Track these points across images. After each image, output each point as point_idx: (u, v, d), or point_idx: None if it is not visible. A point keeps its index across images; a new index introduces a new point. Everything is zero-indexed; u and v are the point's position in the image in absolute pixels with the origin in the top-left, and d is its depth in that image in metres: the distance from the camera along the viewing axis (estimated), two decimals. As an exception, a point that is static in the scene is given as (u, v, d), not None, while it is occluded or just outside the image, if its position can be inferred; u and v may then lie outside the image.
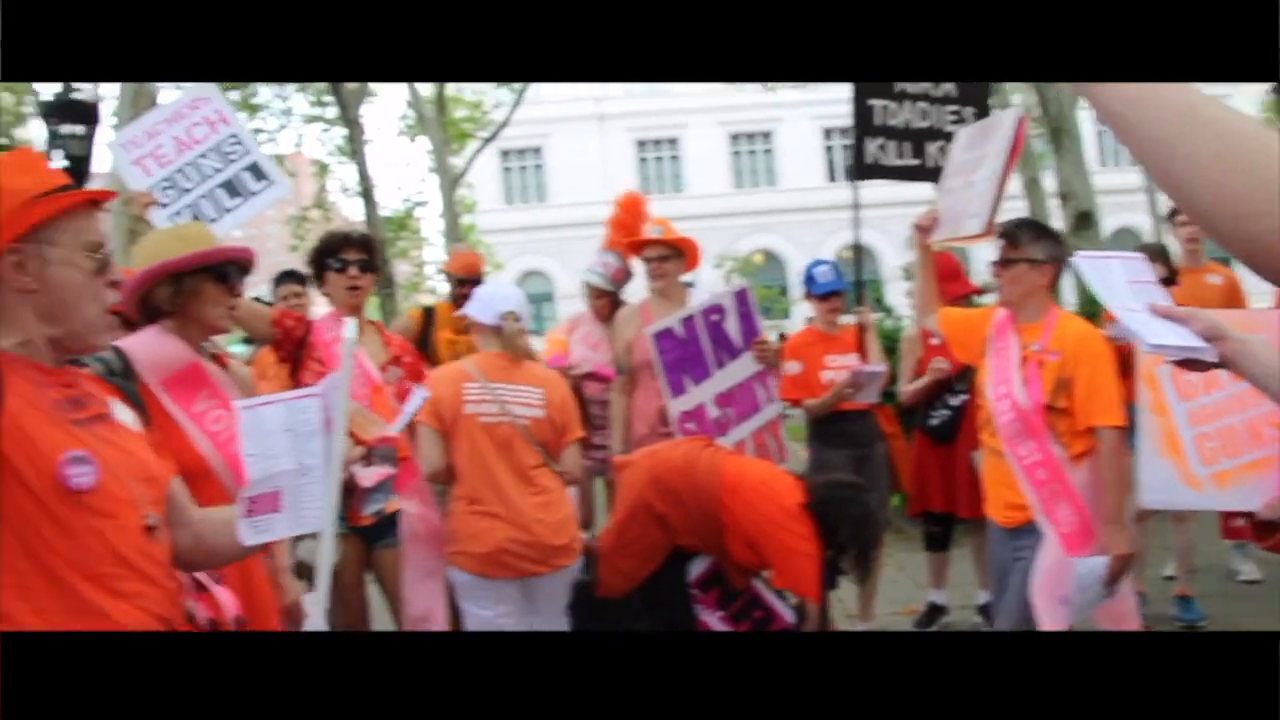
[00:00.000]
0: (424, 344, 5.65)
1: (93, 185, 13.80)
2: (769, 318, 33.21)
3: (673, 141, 41.74)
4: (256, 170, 4.71)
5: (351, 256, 4.41)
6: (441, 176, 22.11)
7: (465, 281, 5.78)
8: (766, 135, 41.30)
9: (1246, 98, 23.33)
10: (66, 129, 9.96)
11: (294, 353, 4.23)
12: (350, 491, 2.33)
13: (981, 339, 4.10)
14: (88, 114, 10.15)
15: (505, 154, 39.63)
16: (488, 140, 24.60)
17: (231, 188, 4.67)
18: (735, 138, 41.64)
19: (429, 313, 6.05)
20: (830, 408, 5.68)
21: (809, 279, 5.91)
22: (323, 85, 19.75)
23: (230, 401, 2.98)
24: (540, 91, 33.05)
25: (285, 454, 2.18)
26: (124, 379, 2.88)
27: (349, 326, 2.29)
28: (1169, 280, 5.26)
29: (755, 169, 42.03)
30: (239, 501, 2.17)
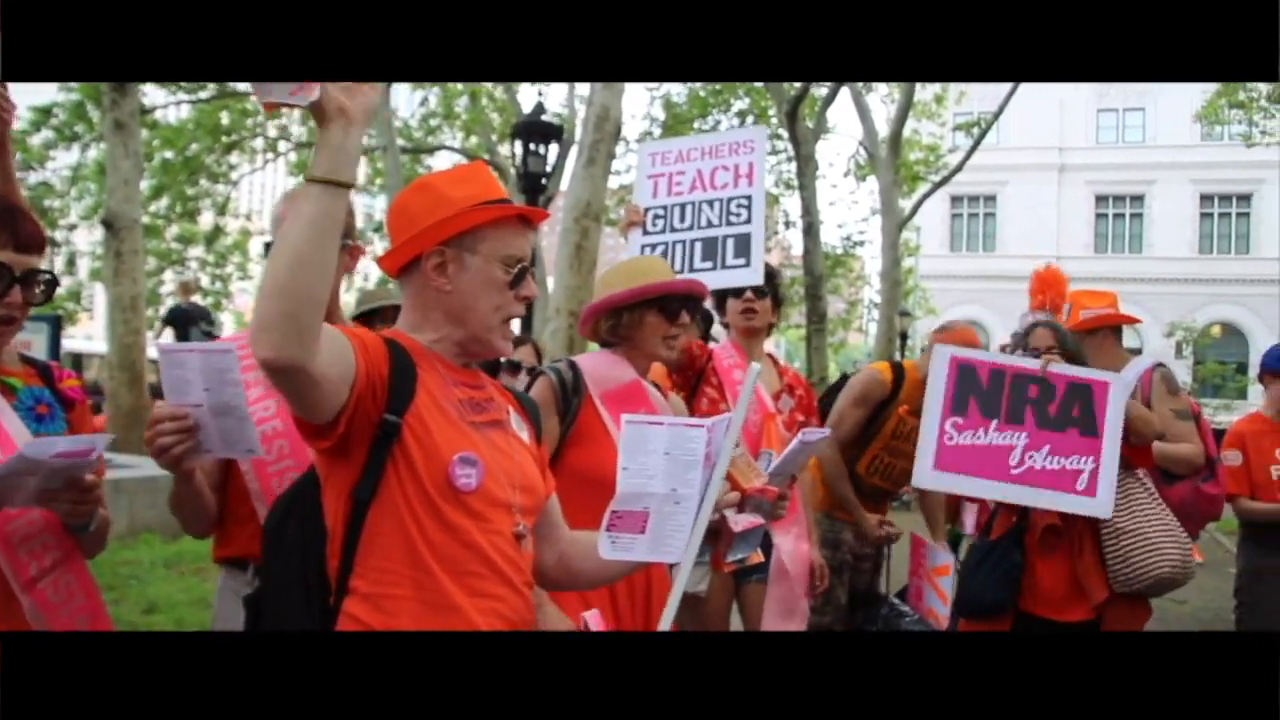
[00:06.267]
0: (880, 410, 5.01)
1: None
2: (1217, 396, 30.53)
3: (1137, 198, 39.01)
4: (743, 244, 4.33)
5: None
6: (887, 217, 21.95)
7: None
8: (1245, 198, 37.62)
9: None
10: (533, 147, 10.75)
11: (693, 380, 4.30)
12: (718, 535, 2.28)
13: None
14: (553, 135, 10.94)
15: (956, 199, 38.74)
16: (938, 184, 24.16)
17: (710, 249, 4.37)
18: (1207, 199, 38.27)
19: (898, 377, 5.07)
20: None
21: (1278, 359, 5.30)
22: (777, 119, 20.20)
23: None
24: (999, 138, 32.08)
25: (661, 476, 2.17)
26: (572, 388, 3.12)
27: (751, 369, 2.26)
28: None
29: (1226, 233, 38.39)
30: (605, 513, 2.20)
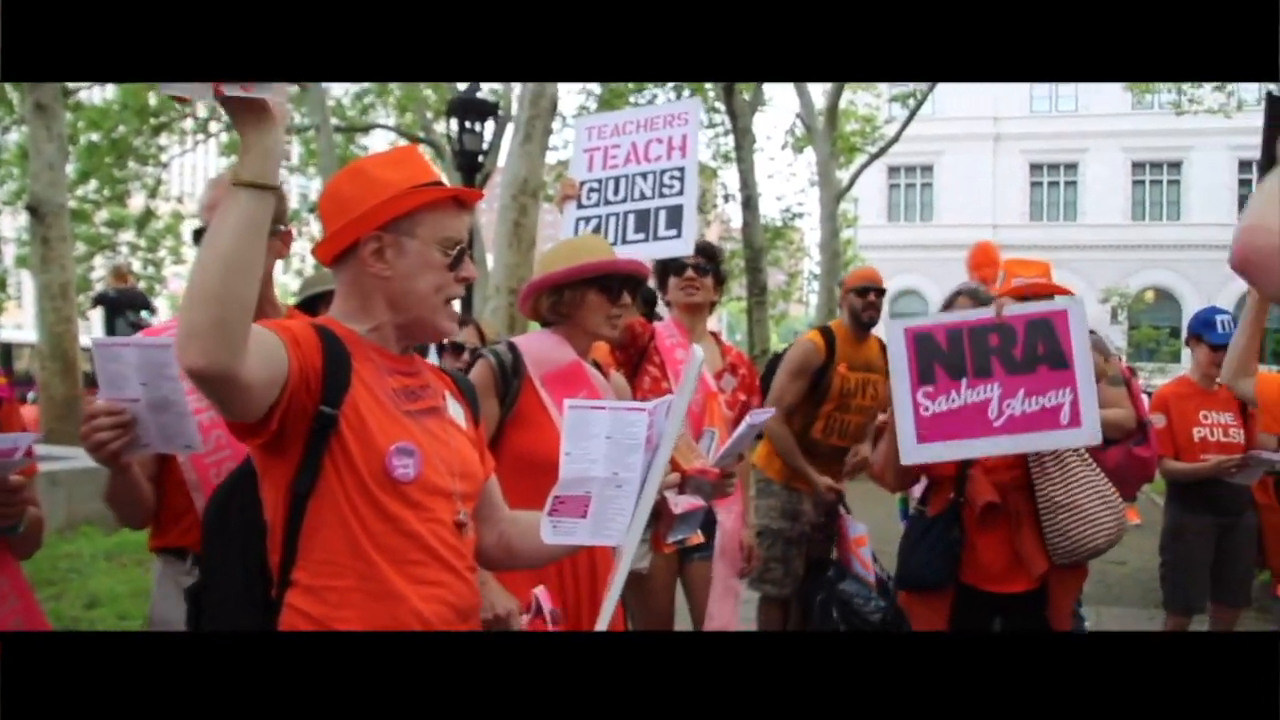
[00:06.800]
0: (822, 375, 5.22)
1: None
2: (1152, 360, 31.04)
3: (1071, 166, 39.60)
4: (675, 215, 4.28)
5: (690, 260, 4.46)
6: (825, 189, 22.03)
7: (869, 290, 5.34)
8: (1175, 165, 38.29)
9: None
10: (469, 125, 10.66)
11: (635, 358, 4.32)
12: (659, 516, 2.29)
13: None
14: (488, 112, 10.83)
15: (893, 170, 39.07)
16: (876, 155, 24.28)
17: (643, 220, 4.33)
18: (1139, 166, 38.92)
19: (829, 340, 5.31)
20: (1198, 477, 5.34)
21: (1205, 324, 5.43)
22: (714, 93, 20.20)
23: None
24: (935, 109, 32.30)
25: (602, 461, 2.18)
26: (512, 371, 3.10)
27: (695, 351, 2.25)
28: None
29: (1158, 200, 39.12)
30: (548, 498, 2.20)
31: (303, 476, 1.98)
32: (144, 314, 13.10)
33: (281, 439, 1.96)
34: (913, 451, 3.93)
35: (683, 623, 4.58)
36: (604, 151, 4.57)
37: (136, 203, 24.68)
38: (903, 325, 3.99)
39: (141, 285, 21.78)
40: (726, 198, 25.27)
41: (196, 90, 1.75)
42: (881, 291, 5.40)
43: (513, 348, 3.18)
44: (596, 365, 3.41)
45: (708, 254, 4.54)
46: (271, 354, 1.88)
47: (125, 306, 12.87)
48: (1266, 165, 5.10)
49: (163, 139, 23.56)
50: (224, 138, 24.09)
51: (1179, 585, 5.49)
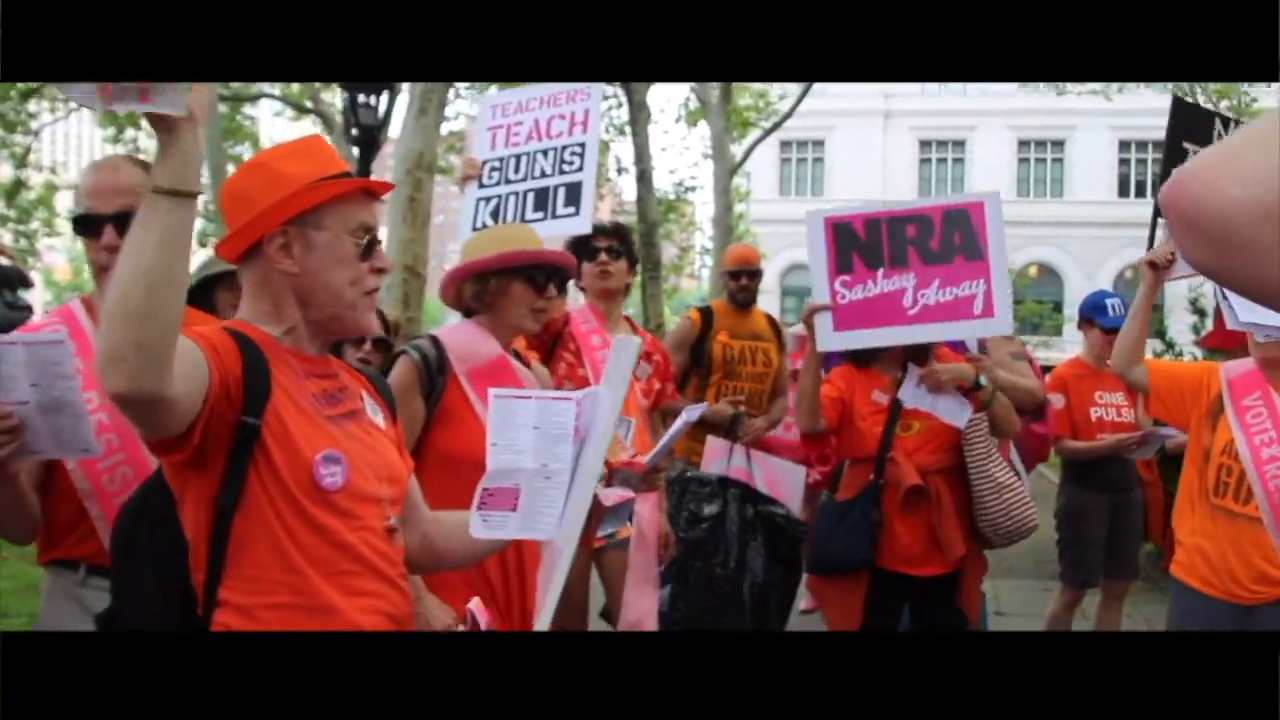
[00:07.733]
0: (701, 347, 5.47)
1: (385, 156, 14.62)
2: (1036, 334, 31.99)
3: (959, 143, 40.45)
4: (574, 192, 4.26)
5: (602, 244, 4.44)
6: (718, 163, 22.08)
7: (740, 274, 5.64)
8: (1059, 144, 39.36)
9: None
10: (362, 99, 10.38)
11: (549, 343, 4.24)
12: (590, 510, 2.24)
13: (1201, 398, 3.68)
14: (383, 84, 10.54)
15: (786, 145, 39.37)
16: (769, 130, 24.40)
17: (542, 199, 4.30)
18: (1024, 144, 39.94)
19: (707, 315, 5.64)
20: (1098, 455, 5.44)
21: (1096, 308, 5.55)
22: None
23: None
24: (827, 85, 32.64)
25: (530, 451, 2.12)
26: (437, 367, 2.99)
27: (630, 344, 2.20)
28: None
29: (1042, 178, 40.24)
30: (477, 491, 2.13)
31: (227, 490, 1.88)
32: (21, 292, 12.49)
33: (202, 453, 1.84)
34: (829, 338, 3.98)
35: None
36: (507, 129, 4.51)
37: (4, 172, 23.64)
38: (823, 215, 4.04)
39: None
40: (620, 170, 25.22)
41: (83, 94, 1.65)
42: (755, 274, 5.64)
43: (436, 342, 3.07)
44: (518, 355, 3.33)
45: (619, 236, 4.51)
46: (194, 366, 1.77)
47: (1, 284, 12.25)
48: (1168, 167, 5.11)
49: (32, 105, 22.52)
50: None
51: (1077, 562, 5.63)
